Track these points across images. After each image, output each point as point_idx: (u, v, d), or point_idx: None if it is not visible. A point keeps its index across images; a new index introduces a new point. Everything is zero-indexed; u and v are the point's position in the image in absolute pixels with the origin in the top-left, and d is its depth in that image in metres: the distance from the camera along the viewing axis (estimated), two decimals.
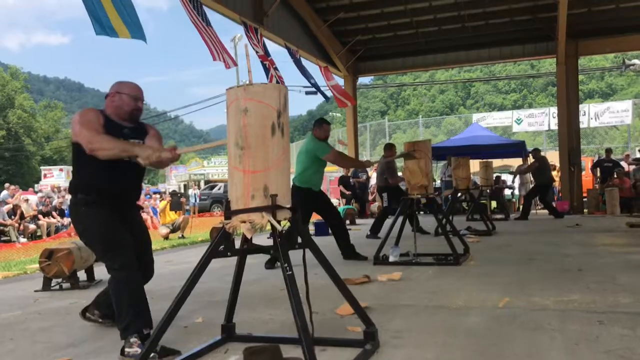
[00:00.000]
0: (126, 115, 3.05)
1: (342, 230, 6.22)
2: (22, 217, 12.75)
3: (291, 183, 5.32)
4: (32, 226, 12.90)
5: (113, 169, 2.90)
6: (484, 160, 10.90)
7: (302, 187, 5.82)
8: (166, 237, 10.47)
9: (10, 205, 12.80)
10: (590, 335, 2.80)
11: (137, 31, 6.44)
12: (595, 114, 22.72)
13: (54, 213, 14.06)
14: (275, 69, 10.35)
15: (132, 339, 2.72)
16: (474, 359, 2.52)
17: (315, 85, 12.88)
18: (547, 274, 4.72)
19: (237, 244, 2.64)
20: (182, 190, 25.26)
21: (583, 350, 2.58)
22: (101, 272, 5.73)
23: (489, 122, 24.43)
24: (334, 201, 19.15)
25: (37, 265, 5.28)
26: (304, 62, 12.95)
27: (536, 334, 2.88)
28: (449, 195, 11.14)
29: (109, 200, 2.94)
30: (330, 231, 6.75)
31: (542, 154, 13.27)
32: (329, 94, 13.92)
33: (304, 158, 5.88)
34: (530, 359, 2.49)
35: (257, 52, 9.98)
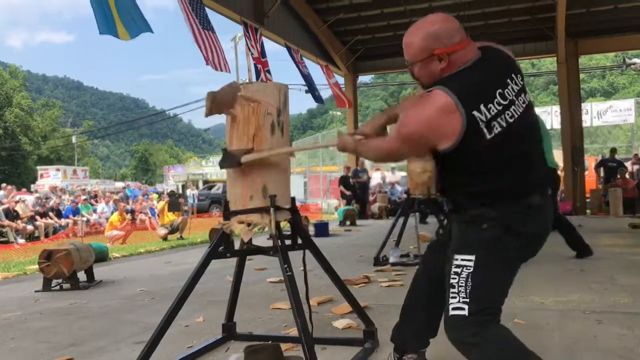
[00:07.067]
0: None
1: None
2: (17, 217, 12.59)
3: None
4: (29, 227, 12.81)
5: None
6: None
7: None
8: (165, 238, 10.44)
9: (7, 206, 12.71)
10: (589, 335, 2.80)
11: (140, 27, 6.41)
12: (597, 113, 22.56)
13: (50, 214, 13.97)
14: (267, 71, 10.32)
15: None
16: None
17: (310, 86, 12.72)
18: (547, 274, 4.72)
19: (237, 244, 2.65)
20: (180, 191, 25.16)
21: (581, 349, 2.59)
22: (101, 272, 5.75)
23: None
24: (334, 201, 19.13)
25: (37, 266, 5.28)
26: (305, 63, 12.93)
27: (535, 333, 2.88)
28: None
29: None
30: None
31: None
32: (325, 94, 13.87)
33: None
34: None
35: (251, 53, 9.97)
